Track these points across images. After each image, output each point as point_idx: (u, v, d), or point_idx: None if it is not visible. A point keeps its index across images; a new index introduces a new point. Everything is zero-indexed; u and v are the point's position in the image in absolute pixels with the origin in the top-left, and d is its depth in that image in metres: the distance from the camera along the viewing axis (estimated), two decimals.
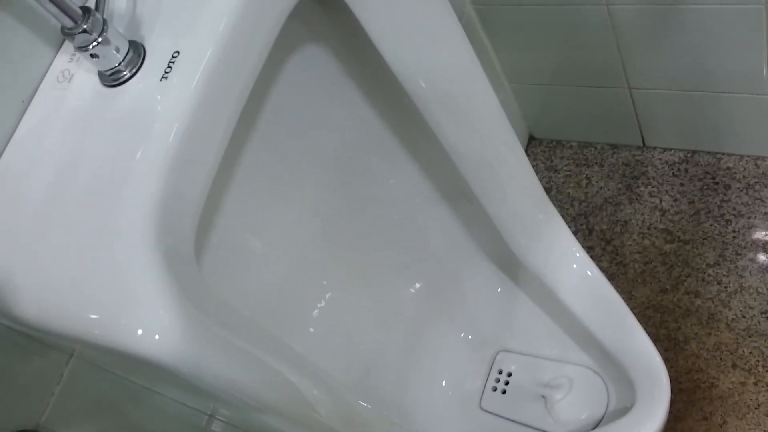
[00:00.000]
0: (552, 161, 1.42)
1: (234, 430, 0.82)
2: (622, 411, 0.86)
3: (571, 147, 1.42)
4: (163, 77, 0.52)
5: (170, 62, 0.53)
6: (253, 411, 0.58)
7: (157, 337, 0.45)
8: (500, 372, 1.01)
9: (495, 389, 1.00)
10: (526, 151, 1.46)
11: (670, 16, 1.05)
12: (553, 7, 1.11)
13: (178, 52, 0.53)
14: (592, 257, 1.27)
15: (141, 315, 0.45)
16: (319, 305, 0.93)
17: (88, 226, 0.50)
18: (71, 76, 0.58)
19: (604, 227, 1.31)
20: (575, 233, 1.32)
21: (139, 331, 0.45)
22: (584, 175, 1.38)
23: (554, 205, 1.35)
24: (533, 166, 1.41)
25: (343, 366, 0.92)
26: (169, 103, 0.51)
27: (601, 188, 1.35)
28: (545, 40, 1.20)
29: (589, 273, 0.91)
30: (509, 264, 1.00)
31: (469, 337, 1.05)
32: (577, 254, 0.92)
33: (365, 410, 0.90)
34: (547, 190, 1.37)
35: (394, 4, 0.68)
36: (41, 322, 0.49)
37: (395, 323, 1.01)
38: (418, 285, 1.03)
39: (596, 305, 0.90)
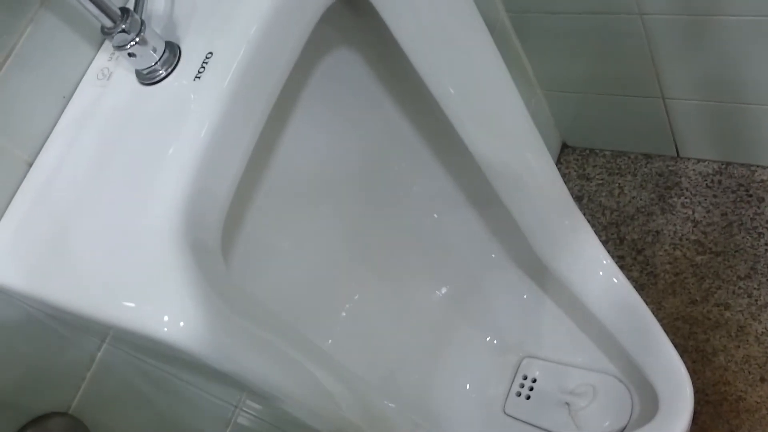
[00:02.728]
0: (585, 169, 1.42)
1: (260, 423, 0.83)
2: (646, 420, 0.86)
3: (604, 156, 1.42)
4: (196, 77, 0.55)
5: (204, 63, 0.55)
6: (275, 400, 0.60)
7: (182, 324, 0.47)
8: (525, 378, 1.01)
9: (519, 395, 1.01)
10: (559, 159, 1.46)
11: (704, 26, 1.05)
12: (587, 16, 1.12)
13: (211, 53, 0.55)
14: (622, 267, 1.28)
15: (167, 302, 0.47)
16: (345, 306, 0.94)
17: (121, 217, 0.52)
18: (110, 74, 0.60)
19: (636, 237, 1.31)
20: (606, 242, 1.32)
21: (165, 318, 0.47)
22: (617, 184, 1.38)
23: (586, 213, 1.36)
24: (566, 174, 1.42)
25: (368, 366, 0.93)
26: (201, 102, 0.54)
27: (633, 198, 1.35)
28: (579, 49, 1.20)
29: (615, 281, 0.91)
30: (535, 270, 1.00)
31: (495, 342, 1.06)
32: (604, 262, 0.92)
33: (388, 410, 0.91)
34: (579, 199, 1.37)
35: (423, 11, 0.69)
36: (74, 308, 0.51)
37: (420, 326, 1.02)
38: (443, 289, 1.04)
39: (622, 313, 0.90)
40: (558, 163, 1.45)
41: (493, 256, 1.03)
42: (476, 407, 1.02)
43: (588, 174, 1.41)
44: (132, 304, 0.49)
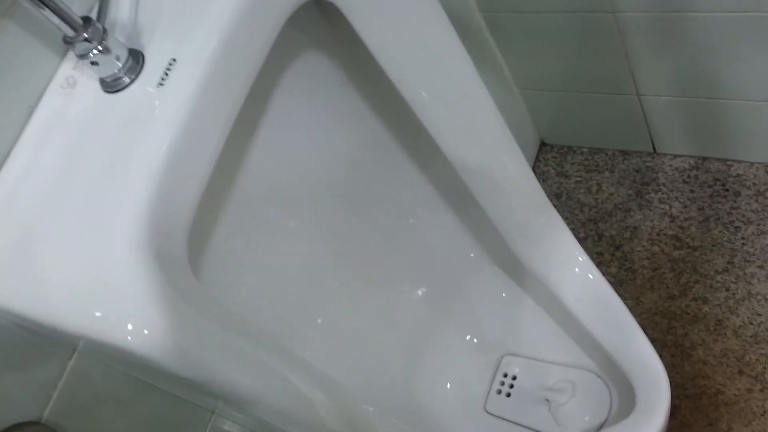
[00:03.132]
0: (563, 167, 1.43)
1: (239, 429, 0.83)
2: (625, 415, 0.87)
3: (582, 153, 1.43)
4: (160, 84, 0.55)
5: (167, 69, 0.55)
6: (249, 407, 0.60)
7: (146, 332, 0.47)
8: (505, 375, 1.02)
9: (500, 392, 1.01)
10: (537, 157, 1.46)
11: (677, 23, 1.05)
12: (561, 15, 1.12)
13: (175, 59, 0.55)
14: (601, 263, 1.28)
15: (132, 311, 0.47)
16: (324, 310, 0.94)
17: (86, 226, 0.52)
18: (75, 83, 0.60)
19: (614, 233, 1.32)
20: (585, 239, 1.33)
21: (129, 326, 0.47)
22: (594, 181, 1.38)
23: (564, 210, 1.37)
24: (544, 172, 1.43)
25: (348, 370, 0.93)
26: (165, 109, 0.53)
27: (611, 194, 1.36)
28: (554, 47, 1.21)
29: (591, 277, 0.92)
30: (514, 269, 1.01)
31: (475, 340, 1.06)
32: (580, 258, 0.92)
33: (369, 413, 0.91)
34: (558, 196, 1.38)
35: (390, 15, 0.69)
36: (40, 317, 0.51)
37: (401, 327, 1.03)
38: (423, 290, 1.04)
39: (597, 309, 0.90)
40: (536, 161, 1.46)
41: (472, 256, 1.04)
42: (458, 406, 1.03)
43: (566, 171, 1.42)
44: (98, 314, 0.49)
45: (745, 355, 1.12)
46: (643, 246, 1.28)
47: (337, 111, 0.86)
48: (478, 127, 0.84)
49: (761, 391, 1.09)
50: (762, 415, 1.07)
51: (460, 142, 0.81)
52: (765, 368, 1.10)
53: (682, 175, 1.32)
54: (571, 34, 1.16)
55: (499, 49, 1.25)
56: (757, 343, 1.12)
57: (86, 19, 0.54)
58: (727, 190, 1.27)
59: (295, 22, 0.64)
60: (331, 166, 0.89)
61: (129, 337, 0.47)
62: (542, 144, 1.48)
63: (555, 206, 0.92)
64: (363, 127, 0.89)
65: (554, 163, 1.44)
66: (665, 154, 1.35)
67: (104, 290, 0.48)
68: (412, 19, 0.72)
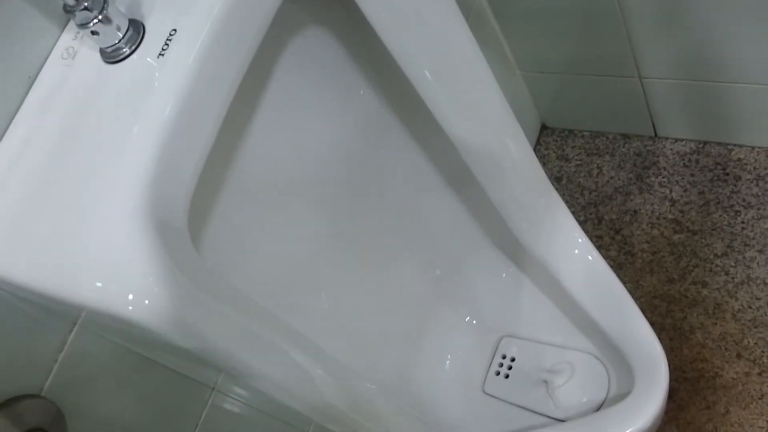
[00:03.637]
0: (564, 150, 1.42)
1: (239, 405, 0.83)
2: (623, 396, 0.87)
3: (583, 136, 1.42)
4: (160, 54, 0.54)
5: (167, 40, 0.54)
6: (248, 379, 0.60)
7: (147, 302, 0.47)
8: (503, 357, 1.02)
9: (498, 374, 1.01)
10: (539, 140, 1.46)
11: (679, 4, 1.05)
12: None
13: (175, 30, 0.55)
14: (600, 247, 1.28)
15: (132, 281, 0.47)
16: (324, 290, 0.94)
17: (86, 197, 0.52)
18: (75, 53, 0.60)
19: (614, 217, 1.31)
20: (584, 222, 1.33)
21: (130, 296, 0.47)
22: (595, 165, 1.38)
23: (565, 194, 1.37)
24: (545, 155, 1.43)
25: (348, 349, 0.94)
26: (165, 80, 0.53)
27: (611, 178, 1.35)
28: (556, 29, 1.20)
29: (590, 258, 0.92)
30: (514, 250, 1.01)
31: (474, 322, 1.06)
32: (580, 240, 0.92)
33: (369, 392, 0.91)
34: (558, 179, 1.37)
35: None
36: (40, 288, 0.51)
37: (401, 308, 1.03)
38: (423, 271, 1.04)
39: (597, 291, 0.91)
40: (537, 144, 1.46)
41: (473, 237, 1.04)
42: (456, 387, 1.03)
43: (567, 155, 1.42)
44: (99, 284, 0.49)
45: (744, 339, 1.12)
46: (643, 230, 1.28)
47: (339, 90, 0.85)
48: (481, 108, 0.83)
49: (759, 374, 1.09)
50: (760, 398, 1.07)
51: (462, 123, 0.81)
52: (763, 352, 1.10)
53: (683, 159, 1.31)
54: (574, 16, 1.15)
55: (502, 31, 1.25)
56: (755, 327, 1.12)
57: None
58: (728, 174, 1.27)
59: None
60: (332, 146, 0.89)
61: (130, 307, 0.46)
62: (543, 127, 1.47)
63: (555, 189, 0.92)
64: (365, 107, 0.88)
65: (555, 146, 1.44)
66: (666, 138, 1.35)
67: (105, 261, 0.48)
68: None
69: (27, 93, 0.60)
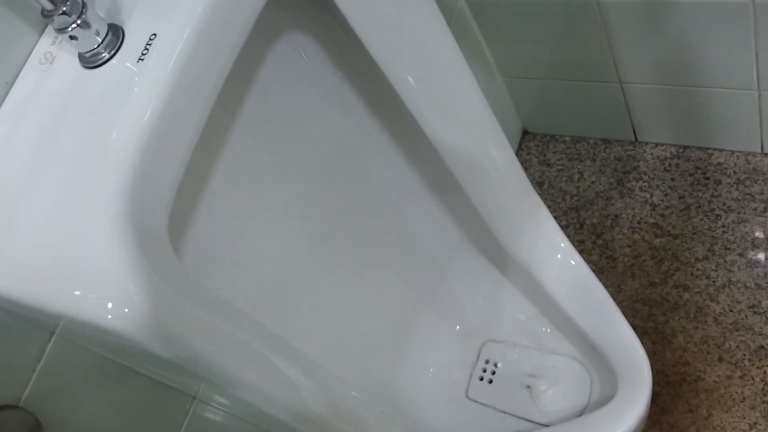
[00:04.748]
0: (545, 155, 1.43)
1: (221, 414, 0.83)
2: (606, 400, 0.87)
3: (564, 141, 1.43)
4: (140, 59, 0.54)
5: (147, 45, 0.54)
6: (229, 388, 0.59)
7: (126, 310, 0.46)
8: (487, 362, 1.02)
9: (482, 379, 1.01)
10: (520, 146, 1.46)
11: (658, 10, 1.06)
12: (545, 2, 1.12)
13: (155, 34, 0.54)
14: (582, 251, 1.29)
15: (111, 289, 0.47)
16: (306, 296, 0.94)
17: (64, 204, 0.51)
18: (53, 58, 0.59)
19: (595, 221, 1.32)
20: (566, 227, 1.33)
21: (109, 305, 0.46)
22: (576, 170, 1.39)
23: (546, 199, 1.37)
24: (527, 160, 1.43)
25: (332, 356, 0.93)
26: (144, 85, 0.53)
27: (593, 182, 1.36)
28: (538, 35, 1.20)
29: (573, 263, 0.92)
30: (497, 256, 1.01)
31: (457, 327, 1.06)
32: (562, 244, 0.93)
33: (353, 399, 0.91)
34: (540, 184, 1.38)
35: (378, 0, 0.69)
36: (17, 297, 0.50)
37: (384, 313, 1.02)
38: (407, 276, 1.04)
39: (579, 296, 0.91)
40: (519, 149, 1.46)
41: (456, 242, 1.04)
42: (440, 392, 1.03)
43: (548, 160, 1.42)
44: (77, 292, 0.48)
45: (725, 342, 1.13)
46: (624, 234, 1.28)
47: (320, 95, 0.85)
48: (463, 113, 0.83)
49: (741, 377, 1.09)
50: (742, 401, 1.08)
51: (444, 128, 0.81)
52: (744, 355, 1.11)
53: (663, 164, 1.32)
54: (555, 21, 1.16)
55: (483, 36, 1.25)
56: (737, 330, 1.13)
57: None
58: (708, 178, 1.28)
59: (280, 1, 0.63)
60: (315, 150, 0.88)
61: (109, 316, 0.46)
62: (525, 132, 1.48)
63: (537, 194, 0.92)
64: (347, 112, 0.88)
65: (536, 151, 1.44)
66: (647, 143, 1.35)
67: (83, 268, 0.48)
68: (400, 3, 0.71)
69: (4, 98, 0.59)
